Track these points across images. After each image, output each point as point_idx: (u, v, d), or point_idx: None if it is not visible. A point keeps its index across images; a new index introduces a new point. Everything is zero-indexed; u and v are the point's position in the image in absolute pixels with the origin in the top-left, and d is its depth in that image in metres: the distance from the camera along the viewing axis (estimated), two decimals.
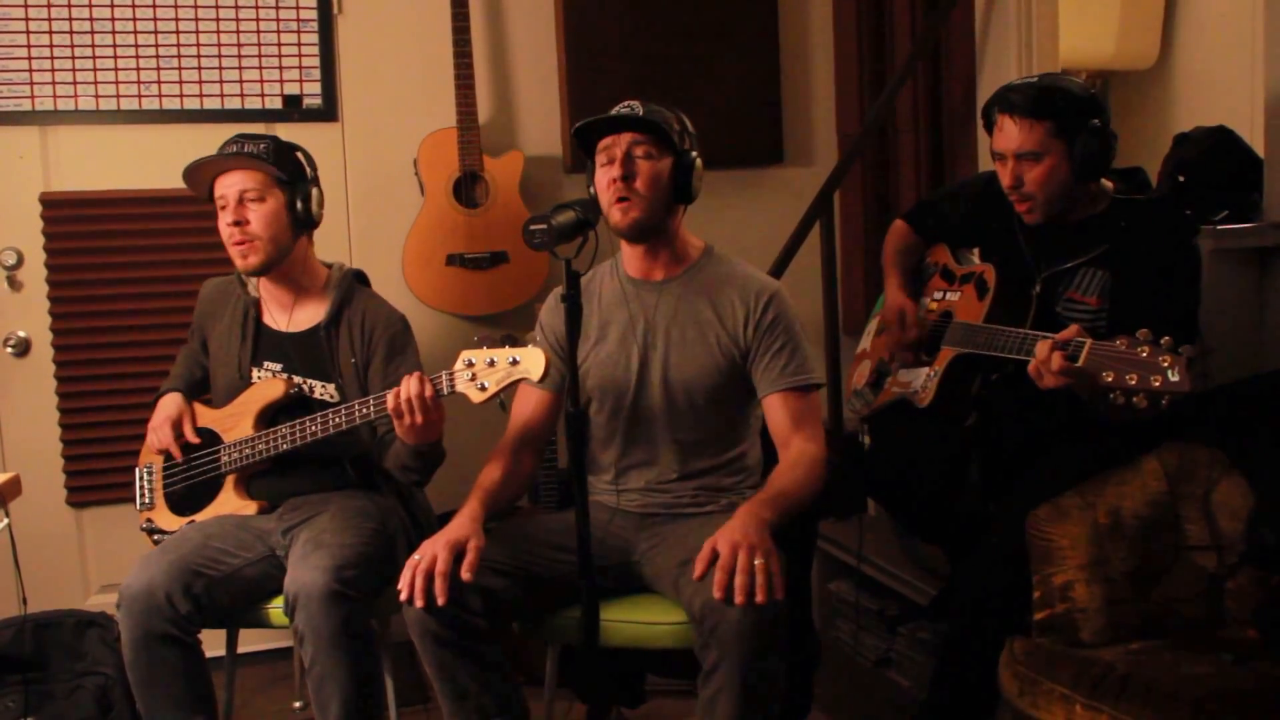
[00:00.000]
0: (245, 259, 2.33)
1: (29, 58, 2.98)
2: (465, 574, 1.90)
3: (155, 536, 2.41)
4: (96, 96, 3.03)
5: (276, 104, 3.15)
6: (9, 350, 3.03)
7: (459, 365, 2.06)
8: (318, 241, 2.48)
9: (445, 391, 2.08)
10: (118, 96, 3.04)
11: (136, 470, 2.49)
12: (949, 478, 2.35)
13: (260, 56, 3.13)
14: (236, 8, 3.11)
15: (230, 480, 2.38)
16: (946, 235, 2.55)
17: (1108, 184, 2.28)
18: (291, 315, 2.44)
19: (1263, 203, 2.53)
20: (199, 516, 2.37)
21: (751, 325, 2.13)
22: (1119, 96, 4.19)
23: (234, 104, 3.12)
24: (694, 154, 2.12)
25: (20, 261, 3.02)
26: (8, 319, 3.03)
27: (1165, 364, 1.73)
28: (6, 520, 2.35)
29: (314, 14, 3.15)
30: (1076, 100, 2.16)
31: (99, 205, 3.04)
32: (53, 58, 3.00)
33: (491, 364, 2.03)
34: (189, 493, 2.41)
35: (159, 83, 3.06)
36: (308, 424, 2.26)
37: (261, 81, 3.13)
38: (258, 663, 3.09)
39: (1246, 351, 2.48)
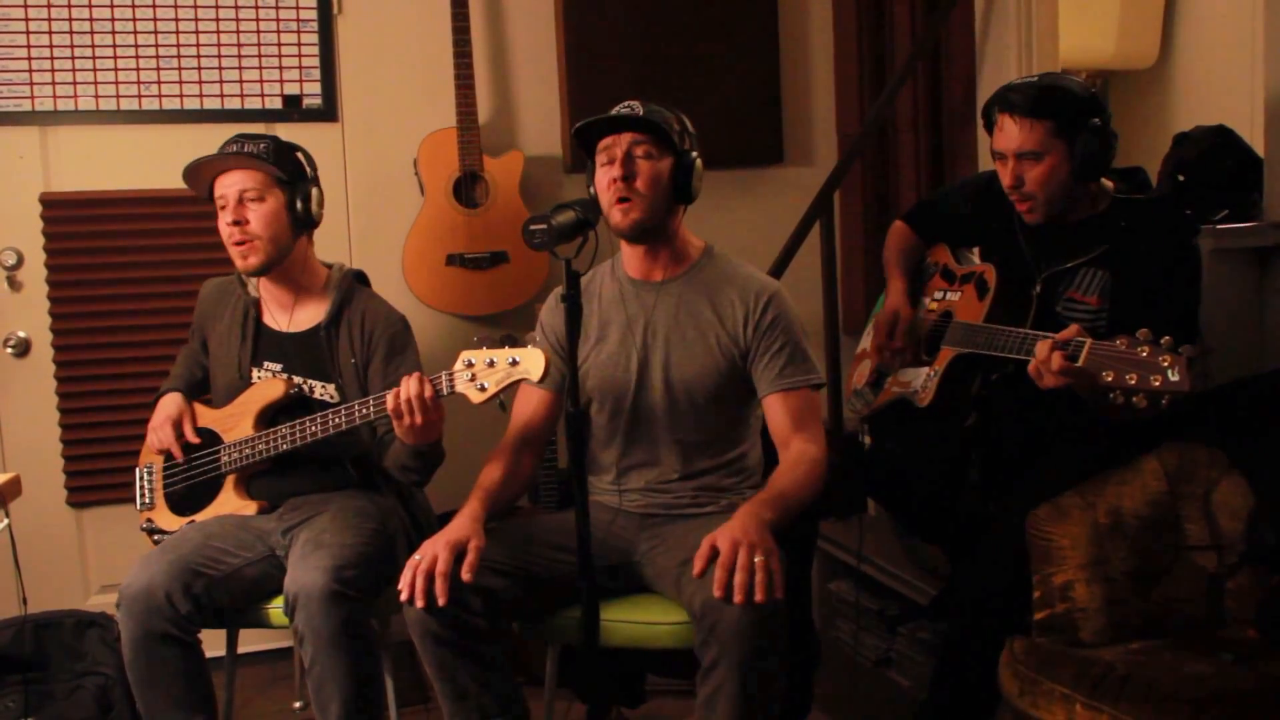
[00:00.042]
0: (245, 259, 2.33)
1: (29, 58, 2.98)
2: (465, 574, 1.90)
3: (155, 536, 2.41)
4: (96, 96, 3.03)
5: (276, 104, 3.15)
6: (9, 350, 3.03)
7: (459, 365, 2.06)
8: (318, 241, 2.48)
9: (445, 392, 2.08)
10: (118, 96, 3.04)
11: (137, 470, 2.49)
12: (949, 478, 2.35)
13: (260, 56, 3.13)
14: (236, 8, 3.10)
15: (230, 480, 2.38)
16: (947, 235, 2.54)
17: (1108, 184, 2.28)
18: (291, 315, 2.44)
19: (1263, 203, 2.53)
20: (199, 516, 2.37)
21: (751, 325, 2.13)
22: (1119, 96, 4.20)
23: (234, 104, 3.12)
24: (694, 154, 2.11)
25: (20, 261, 3.02)
26: (8, 319, 3.03)
27: (1165, 364, 1.73)
28: (7, 520, 2.35)
29: (314, 14, 3.15)
30: (1077, 100, 2.16)
31: (99, 205, 3.03)
32: (53, 58, 3.00)
33: (491, 364, 2.03)
34: (189, 493, 2.41)
35: (159, 83, 3.06)
36: (308, 424, 2.26)
37: (261, 81, 3.13)
38: (258, 663, 3.09)
39: (1246, 351, 2.48)
